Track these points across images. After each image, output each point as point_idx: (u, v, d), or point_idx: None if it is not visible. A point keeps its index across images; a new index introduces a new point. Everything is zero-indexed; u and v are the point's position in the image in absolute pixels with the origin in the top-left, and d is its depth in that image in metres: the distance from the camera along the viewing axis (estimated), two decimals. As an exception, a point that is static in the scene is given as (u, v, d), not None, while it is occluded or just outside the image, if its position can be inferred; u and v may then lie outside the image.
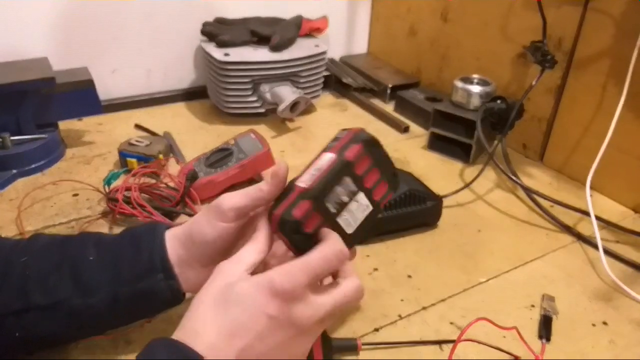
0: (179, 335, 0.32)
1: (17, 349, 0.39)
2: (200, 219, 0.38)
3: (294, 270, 0.32)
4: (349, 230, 0.36)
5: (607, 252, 0.55)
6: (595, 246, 0.55)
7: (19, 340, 0.37)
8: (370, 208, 0.36)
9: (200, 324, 0.32)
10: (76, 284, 0.37)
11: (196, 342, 0.30)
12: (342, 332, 0.45)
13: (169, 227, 0.40)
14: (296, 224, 0.33)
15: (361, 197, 0.35)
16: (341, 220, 0.35)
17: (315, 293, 0.33)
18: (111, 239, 0.41)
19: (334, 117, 0.89)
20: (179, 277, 0.39)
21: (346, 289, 0.34)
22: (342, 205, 0.35)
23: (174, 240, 0.39)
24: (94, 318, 0.38)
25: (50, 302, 0.36)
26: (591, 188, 0.59)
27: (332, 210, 0.34)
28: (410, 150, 0.78)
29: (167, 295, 0.39)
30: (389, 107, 0.91)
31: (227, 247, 0.39)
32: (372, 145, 0.35)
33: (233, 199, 0.37)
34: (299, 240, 0.34)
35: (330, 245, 0.33)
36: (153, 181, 0.63)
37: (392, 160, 0.36)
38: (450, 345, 0.43)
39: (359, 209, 0.35)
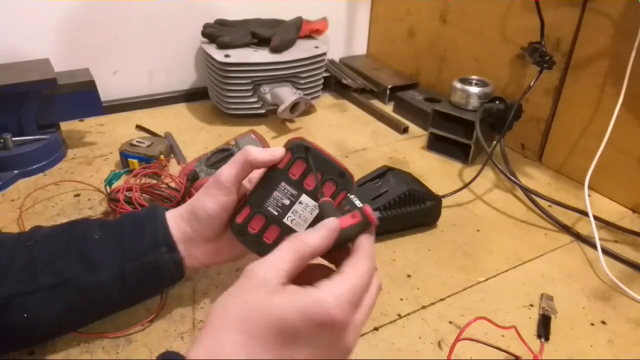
0: (197, 354, 0.28)
1: (25, 335, 0.39)
2: (200, 196, 0.40)
3: (346, 297, 0.30)
4: (300, 229, 0.39)
5: (606, 251, 0.56)
6: (594, 246, 0.56)
7: (27, 324, 0.37)
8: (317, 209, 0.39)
9: (223, 335, 0.29)
10: (84, 262, 0.38)
11: None
12: (342, 331, 0.45)
13: (167, 209, 0.42)
14: (239, 226, 0.39)
15: (305, 198, 0.39)
16: (288, 220, 0.39)
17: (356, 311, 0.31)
18: (113, 221, 0.42)
19: (334, 117, 0.89)
20: (183, 253, 0.40)
21: (374, 295, 0.33)
22: (285, 208, 0.39)
23: (175, 218, 0.41)
24: (102, 296, 0.39)
25: (59, 281, 0.37)
26: (589, 188, 0.60)
27: (274, 212, 0.39)
28: (409, 151, 0.78)
29: (171, 267, 0.40)
30: (388, 108, 0.92)
31: (228, 219, 0.40)
32: (303, 152, 0.38)
33: (227, 170, 0.39)
34: (250, 241, 0.39)
35: (361, 265, 0.32)
36: (154, 181, 0.63)
37: (334, 161, 0.39)
38: (450, 344, 0.43)
39: (305, 210, 0.39)
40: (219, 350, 0.28)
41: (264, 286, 0.30)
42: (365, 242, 0.34)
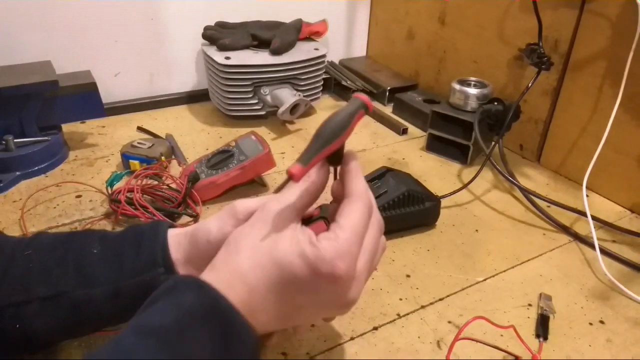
0: (211, 277, 0.31)
1: (16, 345, 0.38)
2: (209, 220, 0.38)
3: (343, 245, 0.31)
4: None
5: (604, 251, 0.56)
6: (592, 246, 0.56)
7: (18, 334, 0.37)
8: None
9: (236, 279, 0.31)
10: (79, 276, 0.37)
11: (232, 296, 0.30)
12: (341, 330, 0.45)
13: (171, 226, 0.41)
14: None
15: None
16: None
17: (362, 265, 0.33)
18: (114, 235, 0.41)
19: (334, 119, 0.89)
20: (177, 268, 0.39)
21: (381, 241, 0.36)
22: None
23: (177, 237, 0.39)
24: (95, 311, 0.38)
25: (52, 294, 0.36)
26: (588, 188, 0.60)
27: None
28: (408, 152, 0.79)
29: None
30: (387, 109, 0.92)
31: None
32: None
33: (247, 202, 0.38)
34: None
35: (357, 201, 0.33)
36: (155, 183, 0.63)
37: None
38: (449, 344, 0.43)
39: None
40: (230, 276, 0.31)
41: (273, 221, 0.32)
42: (353, 181, 0.34)
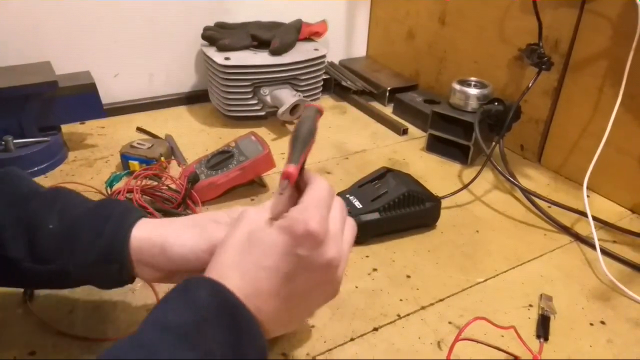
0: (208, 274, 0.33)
1: None
2: (184, 232, 0.37)
3: (310, 207, 0.33)
4: None
5: (605, 252, 0.56)
6: (593, 246, 0.56)
7: None
8: None
9: (226, 269, 0.33)
10: (30, 249, 0.36)
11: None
12: (341, 331, 0.45)
13: (145, 215, 0.39)
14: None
15: None
16: None
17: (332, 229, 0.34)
18: (76, 212, 0.38)
19: (334, 119, 0.89)
20: (137, 270, 0.37)
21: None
22: None
23: (146, 231, 0.37)
24: (41, 282, 0.38)
25: (1, 254, 0.36)
26: (588, 188, 0.60)
27: None
28: (409, 152, 0.78)
29: (118, 280, 0.38)
30: (387, 110, 0.92)
31: (195, 269, 0.36)
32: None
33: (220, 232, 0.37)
34: None
35: (318, 183, 0.35)
36: (155, 183, 0.63)
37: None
38: (449, 345, 0.43)
39: None
40: (217, 271, 0.33)
41: (255, 222, 0.34)
42: (311, 177, 0.36)
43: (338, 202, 0.36)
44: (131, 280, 0.39)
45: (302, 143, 0.35)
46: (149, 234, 0.37)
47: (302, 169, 0.36)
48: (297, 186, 0.36)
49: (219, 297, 0.31)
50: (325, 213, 0.34)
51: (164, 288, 0.47)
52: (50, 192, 0.40)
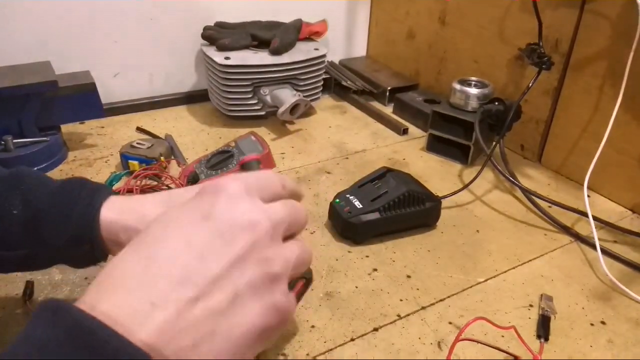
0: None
1: None
2: (147, 201, 0.36)
3: (236, 175, 0.31)
4: None
5: (605, 252, 0.56)
6: (593, 246, 0.56)
7: None
8: None
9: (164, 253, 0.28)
10: None
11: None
12: (341, 331, 0.45)
13: (116, 193, 0.38)
14: None
15: None
16: None
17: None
18: (42, 194, 0.36)
19: (334, 119, 0.89)
20: (109, 246, 0.36)
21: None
22: None
23: (119, 207, 0.36)
24: (10, 266, 0.37)
25: None
26: (589, 188, 0.60)
27: None
28: (409, 152, 0.78)
29: (90, 259, 0.37)
30: (388, 110, 0.92)
31: None
32: None
33: (183, 194, 0.37)
34: None
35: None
36: (155, 183, 0.63)
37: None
38: (449, 345, 0.43)
39: None
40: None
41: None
42: None
43: (277, 177, 0.34)
44: (104, 257, 0.38)
45: None
46: (119, 213, 0.36)
47: None
48: None
49: (65, 326, 0.23)
50: (245, 179, 0.31)
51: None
52: (11, 174, 0.38)
